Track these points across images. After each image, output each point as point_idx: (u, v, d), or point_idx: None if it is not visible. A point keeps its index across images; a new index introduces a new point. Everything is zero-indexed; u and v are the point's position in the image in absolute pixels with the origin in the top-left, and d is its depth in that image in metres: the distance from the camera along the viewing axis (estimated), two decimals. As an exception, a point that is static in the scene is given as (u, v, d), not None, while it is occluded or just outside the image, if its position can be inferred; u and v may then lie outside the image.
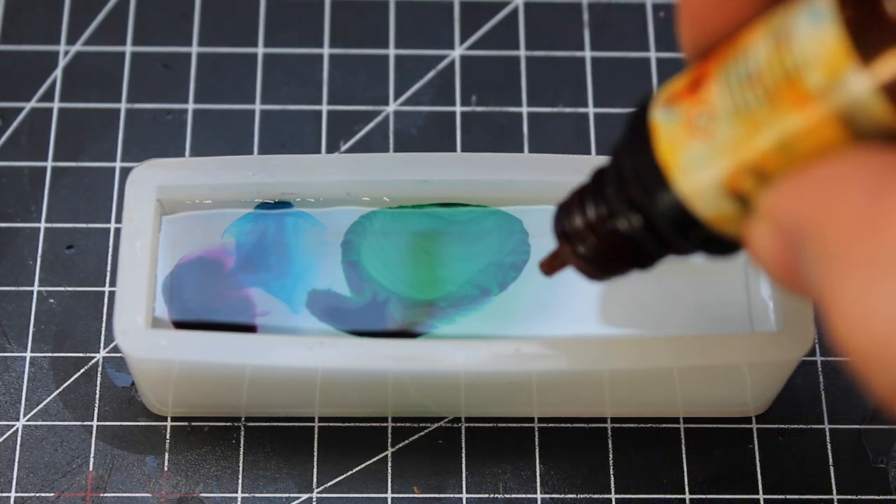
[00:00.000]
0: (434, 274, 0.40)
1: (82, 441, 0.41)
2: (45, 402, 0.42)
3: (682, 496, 0.41)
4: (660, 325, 0.39)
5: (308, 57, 0.47)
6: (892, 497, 0.41)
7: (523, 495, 0.41)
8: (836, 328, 0.22)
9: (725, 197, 0.26)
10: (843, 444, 0.41)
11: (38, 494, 0.40)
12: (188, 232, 0.40)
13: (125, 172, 0.44)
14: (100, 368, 0.42)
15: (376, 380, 0.39)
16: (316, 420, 0.42)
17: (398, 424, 0.42)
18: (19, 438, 0.41)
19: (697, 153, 0.26)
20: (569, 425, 0.42)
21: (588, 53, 0.48)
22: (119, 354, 0.42)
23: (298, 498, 0.40)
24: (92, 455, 0.41)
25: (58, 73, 0.47)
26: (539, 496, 0.41)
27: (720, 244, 0.28)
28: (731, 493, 0.41)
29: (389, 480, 0.41)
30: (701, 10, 0.27)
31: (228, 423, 0.41)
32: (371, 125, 0.46)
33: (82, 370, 0.42)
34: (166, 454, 0.41)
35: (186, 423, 0.41)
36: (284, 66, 0.47)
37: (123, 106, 0.46)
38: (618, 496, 0.41)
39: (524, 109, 0.46)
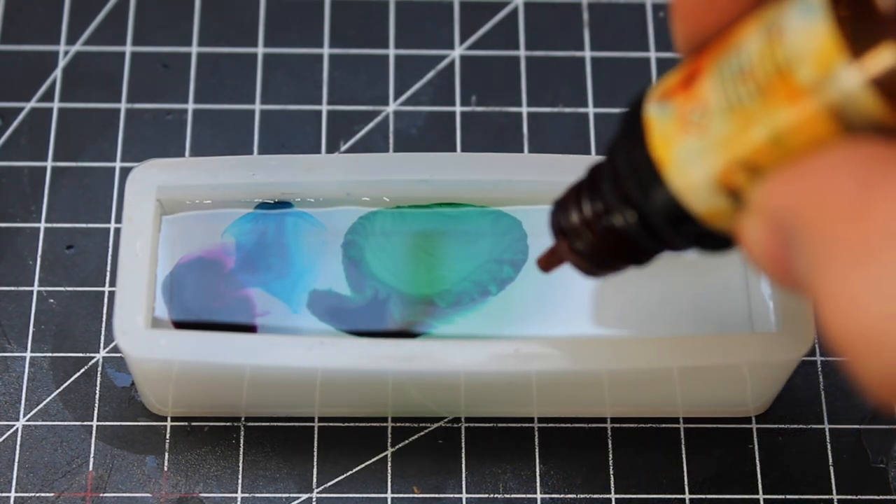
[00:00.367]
0: (434, 273, 0.40)
1: (82, 441, 0.41)
2: (44, 402, 0.42)
3: (681, 496, 0.41)
4: (659, 325, 0.39)
5: (308, 57, 0.47)
6: (892, 497, 0.41)
7: (523, 495, 0.41)
8: (824, 317, 0.22)
9: (719, 192, 0.26)
10: (843, 444, 0.41)
11: (37, 494, 0.40)
12: (188, 232, 0.40)
13: (125, 172, 0.44)
14: (100, 368, 0.42)
15: (376, 380, 0.39)
16: (316, 420, 0.42)
17: (398, 424, 0.42)
18: (19, 438, 0.41)
19: (691, 148, 0.26)
20: (569, 425, 0.42)
21: (588, 53, 0.47)
22: (119, 354, 0.42)
23: (298, 498, 0.40)
24: (92, 455, 0.41)
25: (58, 73, 0.47)
26: (539, 496, 0.41)
27: (714, 240, 0.28)
28: (731, 493, 0.41)
29: (389, 480, 0.41)
30: (694, 6, 0.27)
31: (228, 423, 0.41)
32: (371, 125, 0.46)
33: (82, 370, 0.42)
34: (166, 454, 0.41)
35: (186, 423, 0.41)
36: (284, 66, 0.47)
37: (123, 106, 0.46)
38: (618, 496, 0.41)
39: (524, 109, 0.46)
